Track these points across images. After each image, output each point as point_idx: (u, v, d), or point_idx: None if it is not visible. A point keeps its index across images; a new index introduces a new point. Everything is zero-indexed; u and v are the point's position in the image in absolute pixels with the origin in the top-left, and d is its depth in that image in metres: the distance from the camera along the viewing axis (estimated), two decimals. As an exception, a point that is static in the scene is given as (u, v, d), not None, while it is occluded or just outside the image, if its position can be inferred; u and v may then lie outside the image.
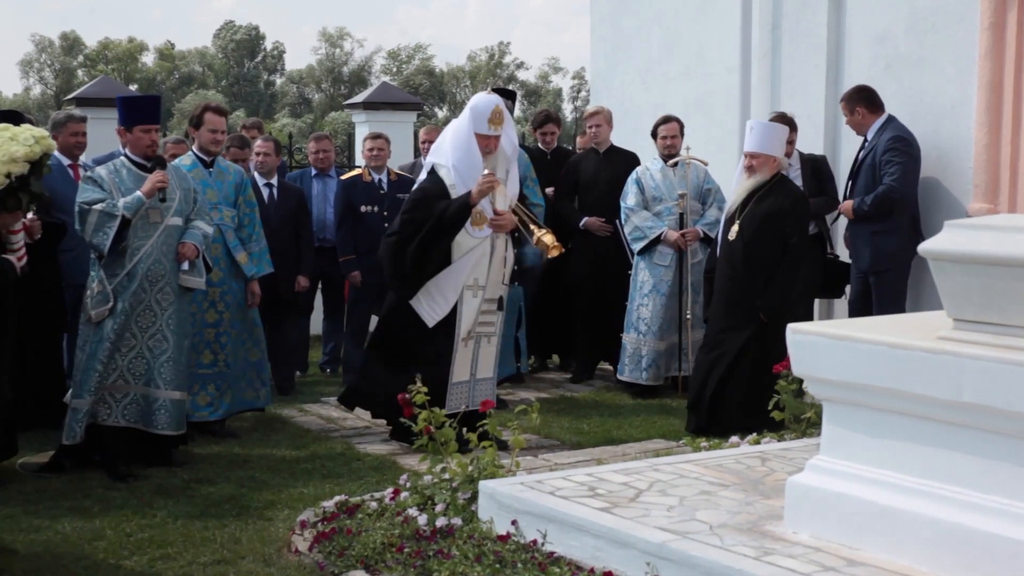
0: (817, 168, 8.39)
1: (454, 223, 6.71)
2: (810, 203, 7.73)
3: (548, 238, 6.77)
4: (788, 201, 7.29)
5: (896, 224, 7.77)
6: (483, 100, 6.88)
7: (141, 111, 6.59)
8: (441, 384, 6.71)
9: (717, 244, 7.63)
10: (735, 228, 7.33)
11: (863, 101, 7.99)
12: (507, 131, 6.92)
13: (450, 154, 6.85)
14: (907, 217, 7.83)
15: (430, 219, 6.68)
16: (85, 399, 6.28)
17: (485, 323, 6.97)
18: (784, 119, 8.09)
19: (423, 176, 7.06)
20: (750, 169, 7.35)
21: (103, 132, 9.52)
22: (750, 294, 7.23)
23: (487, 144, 6.78)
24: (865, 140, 8.00)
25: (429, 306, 6.80)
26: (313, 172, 9.58)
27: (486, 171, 6.70)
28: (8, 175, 5.67)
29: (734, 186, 7.59)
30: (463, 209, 6.68)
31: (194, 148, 7.42)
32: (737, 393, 7.17)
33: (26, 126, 5.91)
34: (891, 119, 7.93)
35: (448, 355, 6.85)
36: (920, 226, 7.84)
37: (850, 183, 8.05)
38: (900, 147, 7.76)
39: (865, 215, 7.81)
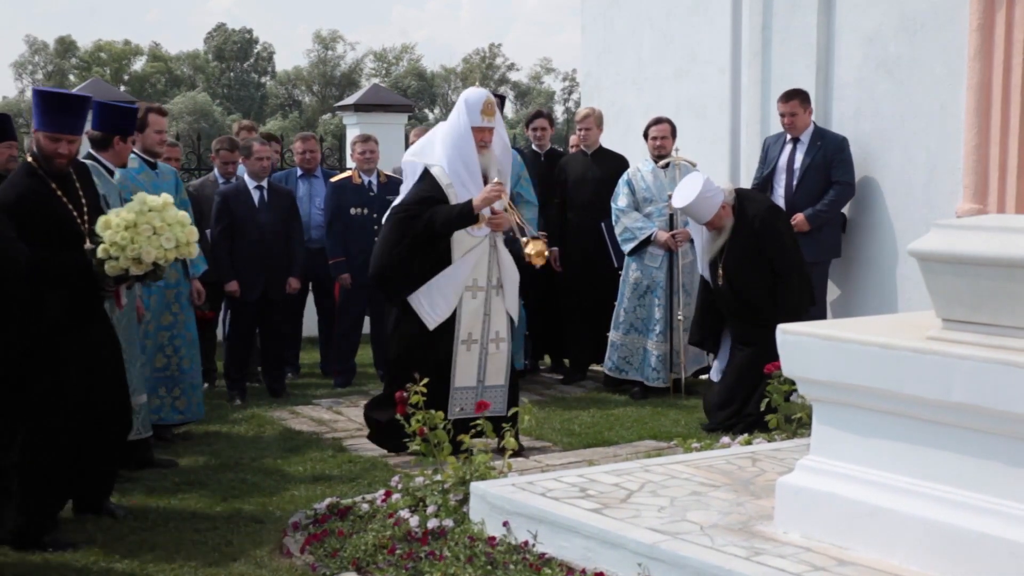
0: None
1: (451, 230, 6.56)
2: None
3: (531, 247, 6.55)
4: (755, 227, 7.38)
5: (837, 218, 8.38)
6: (474, 92, 6.72)
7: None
8: (442, 390, 6.56)
9: (706, 272, 7.71)
10: (720, 273, 7.43)
11: (808, 101, 8.41)
12: (499, 130, 6.82)
13: (442, 153, 6.66)
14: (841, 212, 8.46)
15: (425, 221, 6.53)
16: None
17: (492, 327, 6.82)
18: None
19: (412, 181, 6.75)
20: (717, 230, 7.44)
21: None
22: (759, 321, 7.26)
23: (481, 137, 6.65)
24: (796, 140, 8.36)
25: (430, 308, 6.62)
26: (299, 172, 9.57)
27: (496, 180, 6.53)
28: (126, 270, 5.20)
29: (697, 239, 7.78)
30: (465, 217, 6.50)
31: (137, 150, 7.13)
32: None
33: (183, 216, 5.37)
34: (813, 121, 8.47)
35: (448, 359, 6.69)
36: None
37: (785, 182, 8.37)
38: (848, 148, 8.29)
39: (823, 221, 8.25)
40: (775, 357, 6.93)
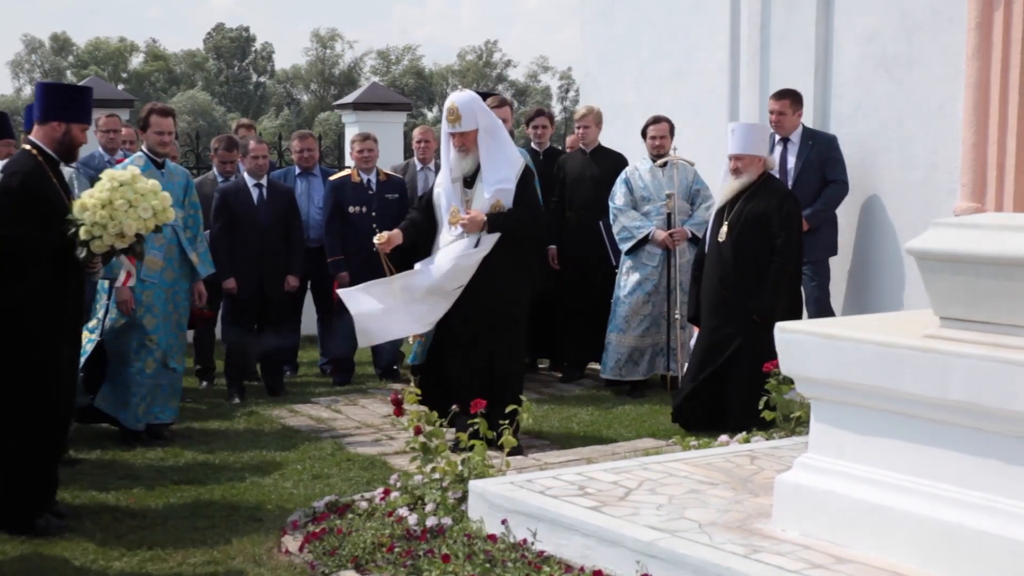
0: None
1: None
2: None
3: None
4: (775, 200, 7.31)
5: (833, 216, 8.39)
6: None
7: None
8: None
9: (704, 244, 7.63)
10: (724, 229, 7.35)
11: (800, 104, 8.40)
12: (485, 134, 6.91)
13: None
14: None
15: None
16: None
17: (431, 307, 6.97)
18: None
19: None
20: (736, 171, 7.36)
21: (90, 133, 9.48)
22: (740, 294, 7.25)
23: (452, 142, 6.93)
24: (786, 140, 8.34)
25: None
26: (297, 171, 9.56)
27: (378, 239, 6.89)
28: (111, 246, 5.36)
29: (719, 186, 7.61)
30: None
31: (144, 148, 7.33)
32: (738, 394, 7.14)
33: (154, 184, 5.52)
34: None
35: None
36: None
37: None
38: (838, 146, 8.31)
39: (821, 220, 8.25)
40: (745, 344, 7.07)
